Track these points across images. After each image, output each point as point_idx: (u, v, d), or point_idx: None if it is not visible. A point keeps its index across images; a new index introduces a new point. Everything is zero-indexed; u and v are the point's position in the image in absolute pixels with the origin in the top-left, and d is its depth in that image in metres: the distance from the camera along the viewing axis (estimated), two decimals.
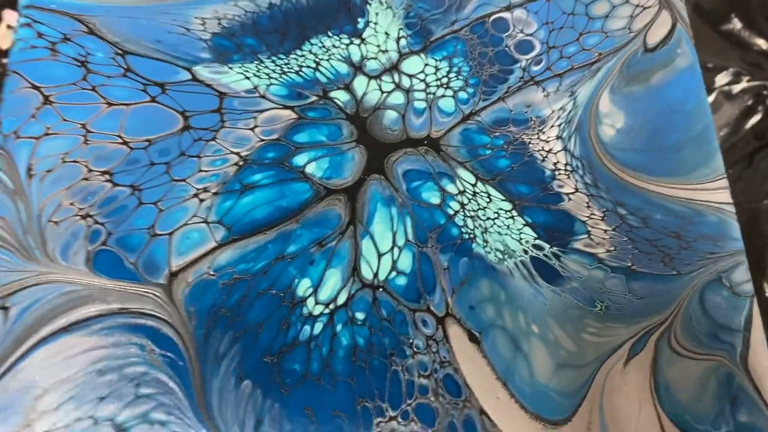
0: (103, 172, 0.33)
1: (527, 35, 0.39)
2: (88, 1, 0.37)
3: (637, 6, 0.40)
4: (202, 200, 0.33)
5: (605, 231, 0.36)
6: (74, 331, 0.31)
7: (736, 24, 0.54)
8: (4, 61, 0.36)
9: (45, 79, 0.35)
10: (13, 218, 0.32)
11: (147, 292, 0.32)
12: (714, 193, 0.37)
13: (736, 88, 0.54)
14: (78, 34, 0.36)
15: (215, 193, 0.34)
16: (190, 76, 0.36)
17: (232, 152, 0.35)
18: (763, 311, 0.49)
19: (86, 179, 0.33)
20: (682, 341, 0.34)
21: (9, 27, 0.38)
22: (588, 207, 0.36)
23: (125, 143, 0.34)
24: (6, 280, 0.31)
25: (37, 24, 0.36)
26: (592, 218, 0.36)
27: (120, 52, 0.36)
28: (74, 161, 0.33)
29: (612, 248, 0.35)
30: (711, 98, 0.54)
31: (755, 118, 0.54)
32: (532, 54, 0.39)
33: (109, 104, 0.35)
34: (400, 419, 0.31)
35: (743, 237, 0.49)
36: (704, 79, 0.53)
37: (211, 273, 0.32)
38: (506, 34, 0.39)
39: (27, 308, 0.31)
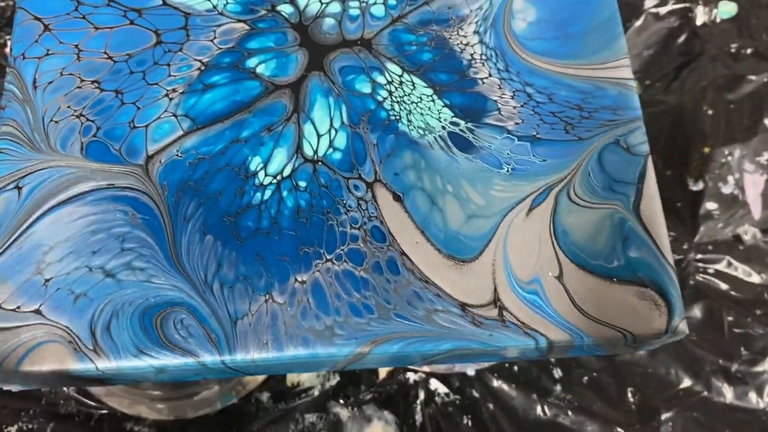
0: (93, 81, 0.41)
1: None
2: None
3: None
4: (171, 98, 0.41)
5: (514, 107, 0.41)
6: (72, 203, 0.38)
7: None
8: (2, 3, 0.44)
9: (45, 12, 0.43)
10: (23, 120, 0.40)
11: (129, 172, 0.39)
12: (616, 70, 0.42)
13: (663, 10, 0.58)
14: None
15: (182, 93, 0.41)
16: (161, 2, 0.43)
17: (195, 59, 0.42)
18: (687, 204, 0.53)
19: (79, 87, 0.41)
20: (579, 193, 0.39)
21: None
22: (499, 88, 0.42)
23: (110, 58, 0.42)
24: (18, 166, 0.39)
25: None
26: (502, 97, 0.41)
27: None
28: (70, 74, 0.41)
29: (519, 121, 0.41)
30: (640, 21, 0.59)
31: (681, 38, 0.58)
32: None
33: (96, 28, 0.42)
34: (334, 260, 0.37)
35: (669, 138, 0.54)
36: (633, 3, 0.58)
37: (180, 154, 0.40)
38: None
39: (35, 187, 0.39)
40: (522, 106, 0.41)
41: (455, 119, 0.41)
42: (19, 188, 0.38)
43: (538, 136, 0.41)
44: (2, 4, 0.58)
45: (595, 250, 0.38)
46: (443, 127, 0.41)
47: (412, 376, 0.50)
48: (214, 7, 0.43)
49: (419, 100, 0.41)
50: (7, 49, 0.56)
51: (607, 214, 0.39)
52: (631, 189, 0.39)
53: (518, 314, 0.37)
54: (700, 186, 0.54)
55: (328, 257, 0.38)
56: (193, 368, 0.36)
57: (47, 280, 0.37)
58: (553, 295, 0.37)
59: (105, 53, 0.42)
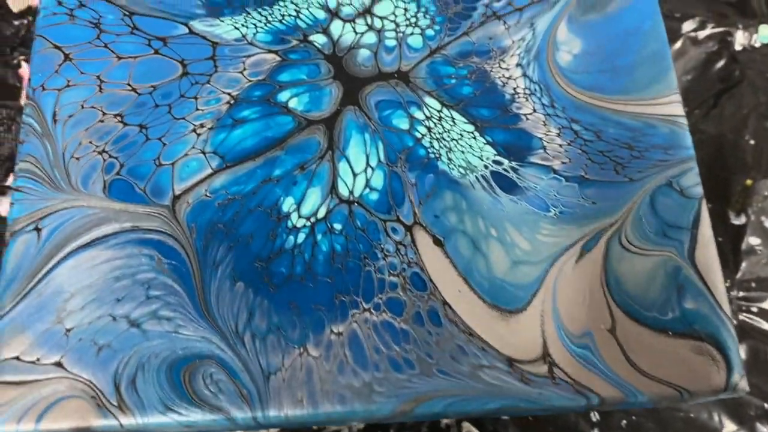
0: (116, 115, 0.39)
1: None
2: None
3: None
4: (199, 134, 0.39)
5: (560, 145, 0.39)
6: (95, 246, 0.36)
7: None
8: (16, 22, 0.42)
9: (65, 40, 0.41)
10: (42, 156, 0.38)
11: (154, 213, 0.37)
12: (666, 106, 0.40)
13: (702, 34, 0.56)
14: (91, 0, 0.41)
15: (210, 128, 0.39)
16: (187, 30, 0.41)
17: (224, 92, 0.40)
18: (728, 238, 0.51)
19: (101, 121, 0.39)
20: (632, 239, 0.37)
21: None
22: (544, 125, 0.39)
23: (133, 90, 0.39)
24: (38, 206, 0.37)
25: None
26: (548, 135, 0.39)
27: (127, 13, 0.41)
28: (91, 107, 0.39)
29: (567, 160, 0.39)
30: (678, 44, 0.56)
31: (720, 63, 0.55)
32: None
33: (119, 58, 0.40)
34: (372, 310, 0.35)
35: (709, 169, 0.52)
36: (671, 27, 0.56)
37: (208, 194, 0.37)
38: None
39: (55, 229, 0.36)
40: (569, 144, 0.39)
41: (498, 158, 0.39)
42: (38, 230, 0.36)
43: (586, 176, 0.38)
44: (17, 23, 0.56)
45: (649, 300, 0.36)
46: (485, 166, 0.38)
47: (444, 419, 0.48)
48: (243, 36, 0.41)
49: (460, 136, 0.39)
50: (21, 70, 0.54)
51: (660, 262, 0.37)
52: (685, 234, 0.37)
53: (569, 371, 0.34)
54: (742, 220, 0.52)
55: (366, 306, 0.35)
56: (222, 425, 0.34)
57: (68, 330, 0.35)
58: (605, 350, 0.35)
59: (128, 85, 0.40)
